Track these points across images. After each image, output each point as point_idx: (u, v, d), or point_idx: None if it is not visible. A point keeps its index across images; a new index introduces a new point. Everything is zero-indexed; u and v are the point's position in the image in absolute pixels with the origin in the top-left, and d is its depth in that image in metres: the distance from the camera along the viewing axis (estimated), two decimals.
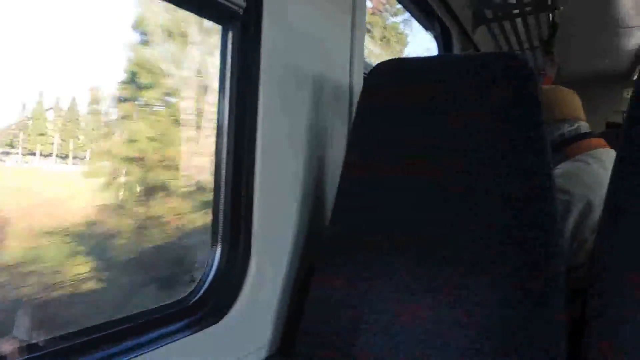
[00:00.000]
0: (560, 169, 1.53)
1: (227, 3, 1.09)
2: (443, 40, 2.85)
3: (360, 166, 1.22)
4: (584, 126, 1.63)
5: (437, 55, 1.31)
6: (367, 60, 1.70)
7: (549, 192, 1.06)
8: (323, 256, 1.19)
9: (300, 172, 1.30)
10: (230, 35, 1.15)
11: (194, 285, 1.11)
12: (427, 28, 2.67)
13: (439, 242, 1.10)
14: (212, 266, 1.12)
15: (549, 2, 2.77)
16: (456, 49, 2.93)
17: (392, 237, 1.14)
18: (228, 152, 1.14)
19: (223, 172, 1.14)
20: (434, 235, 1.11)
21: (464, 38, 3.04)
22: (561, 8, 2.93)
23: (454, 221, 1.10)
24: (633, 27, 4.28)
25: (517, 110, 1.10)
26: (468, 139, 1.13)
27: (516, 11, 2.93)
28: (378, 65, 1.27)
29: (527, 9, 2.90)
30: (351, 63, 1.54)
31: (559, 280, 1.01)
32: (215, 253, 1.13)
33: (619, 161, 1.04)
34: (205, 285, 1.10)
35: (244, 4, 1.12)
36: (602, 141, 1.61)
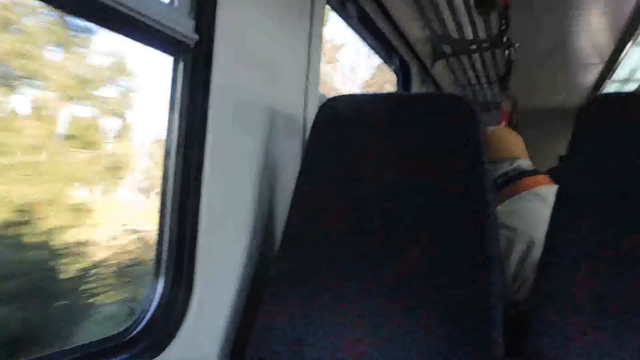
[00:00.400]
0: (504, 206, 1.57)
1: (178, 37, 1.10)
2: (402, 73, 2.91)
3: (310, 200, 1.23)
4: (526, 164, 1.69)
5: (387, 92, 1.34)
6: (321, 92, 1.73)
7: (490, 231, 1.08)
8: (270, 289, 1.19)
9: (250, 203, 1.30)
10: (181, 66, 1.15)
11: (134, 318, 1.09)
12: (386, 61, 2.73)
13: (384, 279, 1.12)
14: (154, 298, 1.11)
15: (504, 40, 2.85)
16: (415, 82, 2.99)
17: (337, 272, 1.15)
18: (175, 182, 1.14)
19: (169, 202, 1.14)
20: (379, 271, 1.12)
21: (423, 72, 3.11)
22: (517, 45, 3.02)
23: (399, 257, 1.12)
24: (589, 64, 4.44)
25: (460, 149, 1.13)
26: (415, 177, 1.16)
27: (473, 47, 3.02)
28: (329, 100, 1.29)
29: (484, 45, 2.98)
30: (306, 95, 1.56)
31: (498, 318, 1.03)
32: (157, 284, 1.12)
33: (558, 200, 1.08)
34: (147, 317, 1.09)
35: (196, 37, 1.13)
36: (545, 178, 1.66)
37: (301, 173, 1.27)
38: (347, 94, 1.33)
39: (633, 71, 4.46)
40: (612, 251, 1.00)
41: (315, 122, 1.28)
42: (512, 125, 5.45)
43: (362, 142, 1.22)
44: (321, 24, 1.65)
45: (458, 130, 1.14)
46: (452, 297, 1.06)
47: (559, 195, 1.07)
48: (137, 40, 1.11)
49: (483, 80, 3.88)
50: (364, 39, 2.38)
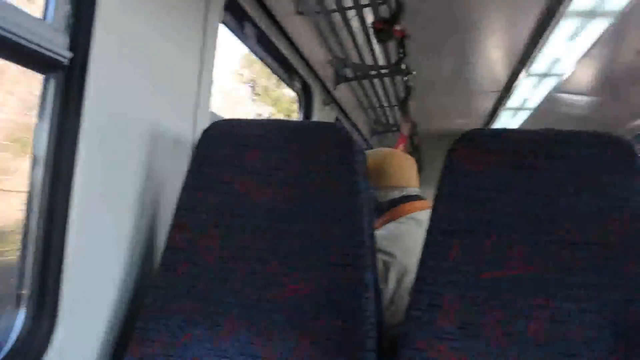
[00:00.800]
0: (384, 231, 1.61)
1: (48, 53, 1.04)
2: (304, 94, 2.94)
3: (189, 226, 1.20)
4: (413, 191, 1.74)
5: (272, 119, 1.34)
6: (215, 111, 1.71)
7: (365, 258, 1.11)
8: (142, 318, 1.15)
9: (128, 226, 1.25)
10: (52, 84, 1.10)
11: None
12: (287, 82, 2.74)
13: (261, 308, 1.11)
14: (10, 331, 1.04)
15: (403, 67, 2.95)
16: (317, 104, 3.02)
17: (214, 302, 1.14)
18: (41, 201, 1.08)
19: (33, 228, 1.07)
20: (256, 301, 1.12)
21: (325, 94, 3.15)
22: (414, 72, 3.13)
23: (278, 286, 1.12)
24: (486, 91, 4.68)
25: (338, 178, 1.15)
26: (294, 204, 1.16)
27: (373, 72, 3.10)
28: (213, 123, 1.27)
29: (383, 71, 3.07)
30: (195, 115, 1.53)
31: (371, 346, 1.05)
32: (16, 315, 1.05)
33: (429, 229, 1.12)
34: (2, 353, 1.01)
35: (69, 54, 1.08)
36: (426, 203, 1.72)
37: (181, 198, 1.24)
38: (232, 118, 1.31)
39: (525, 100, 4.73)
40: (476, 281, 1.05)
41: (198, 146, 1.26)
42: (414, 147, 5.65)
43: (244, 168, 1.21)
44: (214, 43, 1.63)
45: (336, 159, 1.16)
46: (327, 325, 1.07)
47: (430, 225, 1.11)
48: (2, 57, 1.05)
49: (385, 103, 3.98)
50: (263, 59, 2.38)
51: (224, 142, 1.24)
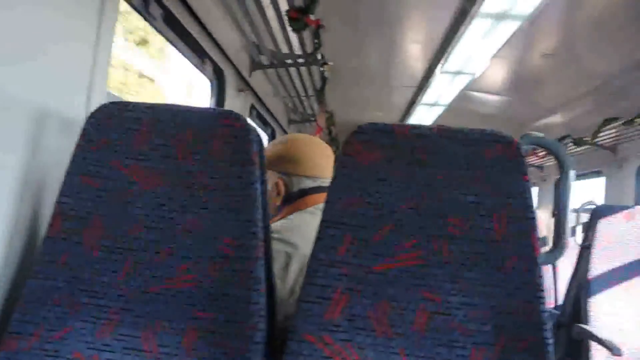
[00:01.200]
0: (287, 221, 1.58)
1: None
2: (217, 80, 2.85)
3: (73, 212, 1.13)
4: (325, 182, 1.70)
5: (166, 103, 1.27)
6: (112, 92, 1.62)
7: (257, 250, 1.08)
8: (18, 311, 1.07)
9: (4, 218, 1.16)
10: None
11: None
12: (198, 67, 2.65)
13: (143, 300, 1.07)
14: None
15: (319, 57, 2.94)
16: (230, 90, 2.95)
17: (97, 293, 1.08)
18: None
19: None
20: (143, 292, 1.08)
21: (239, 80, 3.08)
22: (331, 63, 3.13)
23: (161, 278, 1.08)
24: (404, 85, 4.77)
25: (232, 168, 1.11)
26: (184, 195, 1.12)
27: (289, 61, 3.06)
28: (102, 106, 1.20)
29: (299, 60, 3.04)
30: (89, 96, 1.44)
31: (258, 339, 1.04)
32: None
33: (322, 222, 1.11)
34: None
35: None
36: None
37: (65, 183, 1.16)
38: (124, 101, 1.24)
39: (439, 96, 4.87)
40: (365, 274, 1.06)
41: (85, 129, 1.18)
42: (331, 138, 5.69)
43: (133, 153, 1.15)
44: (113, 20, 1.54)
45: (231, 147, 1.12)
46: (215, 318, 1.05)
47: (323, 217, 1.11)
48: None
49: (302, 93, 3.97)
50: (172, 41, 2.28)
51: (112, 126, 1.17)
